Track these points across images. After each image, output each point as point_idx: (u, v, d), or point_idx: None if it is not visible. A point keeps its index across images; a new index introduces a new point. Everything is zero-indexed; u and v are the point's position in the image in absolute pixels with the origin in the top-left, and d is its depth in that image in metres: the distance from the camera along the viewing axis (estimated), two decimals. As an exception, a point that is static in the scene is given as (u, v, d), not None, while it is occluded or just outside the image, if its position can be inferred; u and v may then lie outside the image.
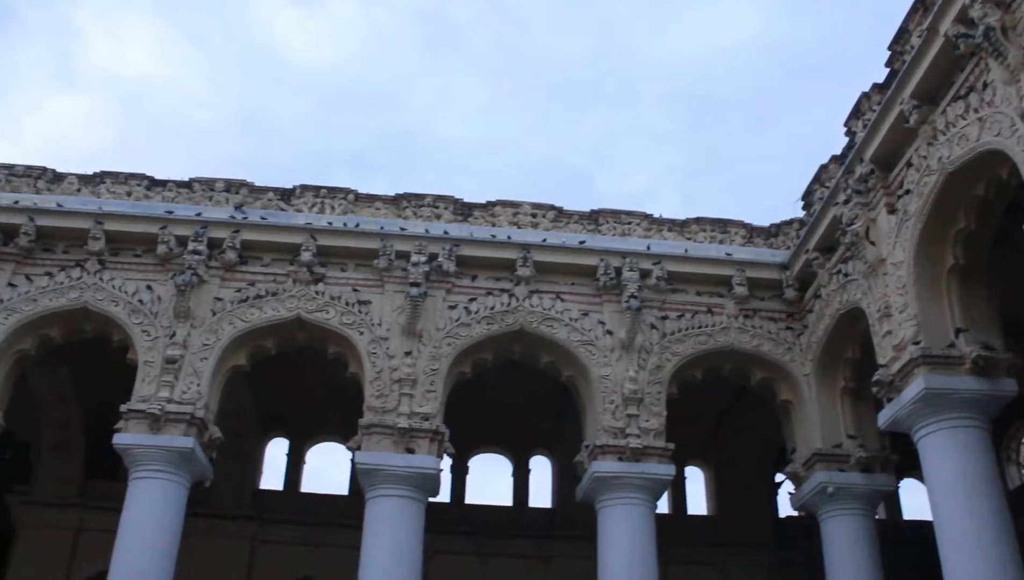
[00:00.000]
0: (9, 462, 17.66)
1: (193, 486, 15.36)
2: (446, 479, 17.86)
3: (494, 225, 17.00)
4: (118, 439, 14.84)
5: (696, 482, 23.95)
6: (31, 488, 20.83)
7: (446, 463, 16.17)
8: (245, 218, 16.50)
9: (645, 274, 16.48)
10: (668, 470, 15.36)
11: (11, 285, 15.96)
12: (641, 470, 15.16)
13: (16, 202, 16.43)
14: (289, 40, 72.76)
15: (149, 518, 14.47)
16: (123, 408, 14.96)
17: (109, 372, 16.55)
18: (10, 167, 17.22)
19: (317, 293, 16.04)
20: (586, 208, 17.58)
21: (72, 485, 21.02)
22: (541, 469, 23.92)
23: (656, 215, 17.72)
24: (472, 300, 16.19)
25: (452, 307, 16.10)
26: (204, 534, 19.25)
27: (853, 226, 14.25)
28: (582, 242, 16.90)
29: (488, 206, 17.30)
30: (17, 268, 16.14)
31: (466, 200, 17.35)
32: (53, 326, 16.05)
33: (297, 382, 20.36)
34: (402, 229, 16.52)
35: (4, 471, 17.13)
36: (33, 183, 17.08)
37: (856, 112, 14.69)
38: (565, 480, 21.05)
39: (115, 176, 17.31)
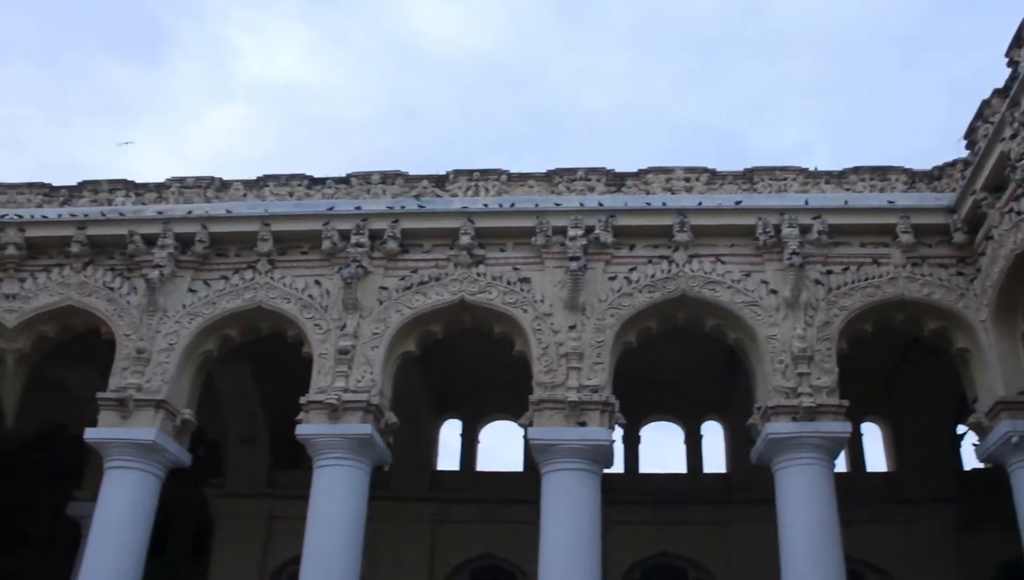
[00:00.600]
0: (203, 458, 18.68)
1: (373, 470, 15.85)
2: (619, 450, 17.91)
3: (648, 193, 16.85)
4: (300, 430, 15.48)
5: (873, 438, 23.26)
6: (224, 481, 22.00)
7: (618, 434, 16.18)
8: (403, 208, 16.87)
9: (805, 229, 16.04)
10: (844, 427, 14.92)
11: (191, 290, 16.85)
12: (816, 429, 14.77)
13: (190, 212, 17.31)
14: (430, 30, 73.98)
15: (335, 504, 15.03)
16: (302, 400, 15.58)
17: (287, 366, 17.24)
18: (181, 179, 18.13)
19: (478, 275, 16.27)
20: (739, 168, 17.21)
21: (260, 476, 22.07)
22: (713, 434, 23.70)
23: (812, 168, 17.19)
24: (632, 269, 16.11)
25: (612, 278, 16.06)
26: (386, 517, 19.87)
27: (1023, 161, 13.49)
28: (738, 202, 16.56)
29: (640, 174, 17.16)
30: (196, 274, 17.02)
31: (617, 170, 17.26)
32: (232, 326, 16.85)
33: (466, 363, 20.76)
34: (556, 205, 16.57)
35: (199, 466, 18.11)
36: (203, 192, 17.94)
37: (1018, 40, 13.85)
38: (738, 444, 20.78)
39: (277, 178, 17.98)
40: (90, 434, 16.02)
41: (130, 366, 16.20)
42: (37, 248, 17.62)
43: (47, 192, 18.37)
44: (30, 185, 18.52)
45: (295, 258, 16.98)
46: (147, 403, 15.89)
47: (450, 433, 23.70)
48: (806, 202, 16.45)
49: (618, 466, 19.07)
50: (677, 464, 23.52)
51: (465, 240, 16.33)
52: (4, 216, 17.70)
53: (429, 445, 23.02)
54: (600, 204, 16.52)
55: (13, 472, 22.03)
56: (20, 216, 17.69)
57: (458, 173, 17.39)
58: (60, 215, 17.67)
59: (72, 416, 20.14)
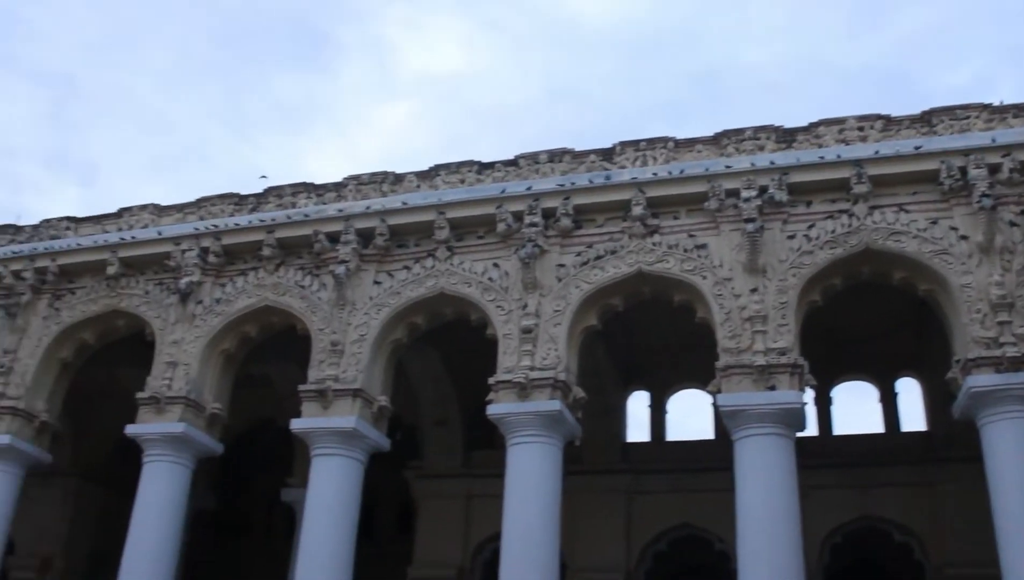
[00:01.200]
0: (400, 442, 19.42)
1: (565, 445, 16.08)
2: (811, 412, 17.46)
3: (820, 146, 16.34)
4: (491, 410, 15.88)
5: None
6: (422, 463, 22.80)
7: (808, 396, 15.79)
8: (573, 184, 16.98)
9: (994, 169, 15.13)
10: (1055, 377, 14.07)
11: (376, 283, 17.54)
12: (1023, 380, 14.03)
13: (368, 207, 17.98)
14: (583, 6, 73.72)
15: (530, 480, 15.34)
16: (491, 380, 15.97)
17: (474, 349, 17.69)
18: (357, 177, 18.84)
19: (654, 245, 16.21)
20: (914, 111, 16.42)
21: (456, 457, 22.75)
22: (909, 391, 22.80)
23: (996, 103, 16.20)
24: (810, 226, 15.66)
25: (791, 237, 15.67)
26: (581, 491, 20.09)
27: None
28: (918, 147, 15.80)
29: (811, 128, 16.65)
30: (379, 266, 17.70)
31: (786, 126, 16.81)
32: (418, 314, 17.44)
33: (649, 334, 20.76)
34: (727, 167, 16.30)
35: (398, 450, 18.88)
36: (379, 187, 18.60)
37: None
38: (938, 400, 19.90)
39: (447, 167, 18.43)
40: (295, 425, 16.99)
41: (326, 358, 17.03)
42: (233, 254, 18.76)
43: (237, 201, 19.49)
44: (221, 197, 19.71)
45: (472, 243, 17.38)
46: (345, 392, 16.68)
47: (638, 405, 23.76)
48: (993, 140, 15.53)
49: (811, 429, 18.63)
50: (872, 424, 22.79)
51: (637, 211, 16.28)
52: (202, 228, 18.91)
53: (618, 418, 23.12)
54: (772, 162, 16.14)
55: (231, 464, 23.46)
56: (216, 226, 18.85)
57: (624, 145, 17.37)
58: (250, 222, 18.72)
59: (277, 409, 21.37)
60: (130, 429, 18.08)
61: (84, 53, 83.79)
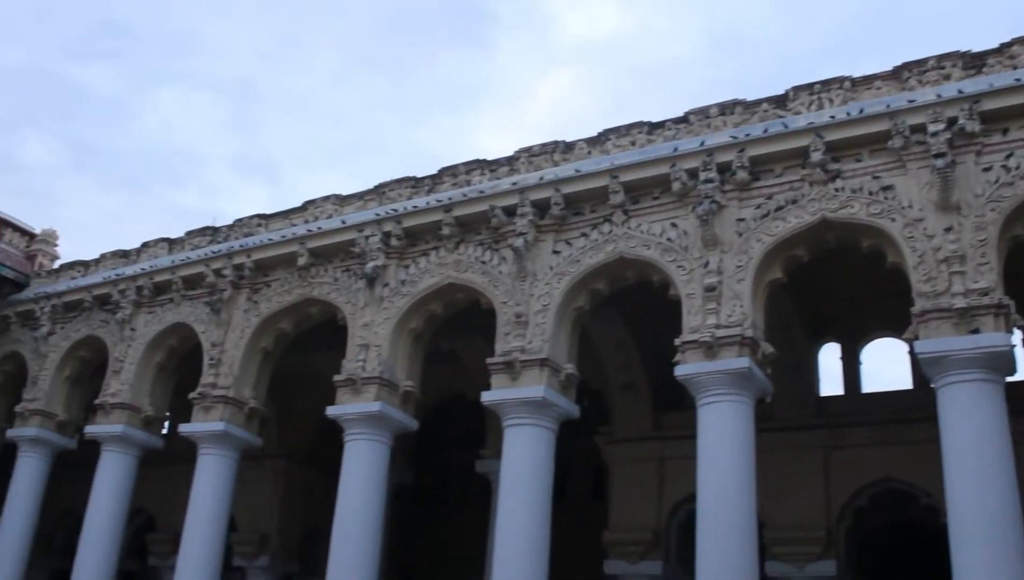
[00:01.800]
0: (588, 408, 19.52)
1: (756, 403, 15.77)
2: (1021, 356, 16.43)
3: (1015, 68, 15.15)
4: (679, 371, 15.73)
5: None
6: (612, 428, 22.86)
7: (1017, 338, 14.89)
8: (747, 135, 16.53)
9: None
10: None
11: (555, 252, 17.64)
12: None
13: (541, 178, 18.06)
14: (738, -51, 71.52)
15: (722, 440, 15.11)
16: (677, 341, 15.81)
17: (657, 311, 17.56)
18: (528, 149, 18.93)
19: (836, 190, 15.58)
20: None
21: (645, 420, 22.68)
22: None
23: None
24: (1008, 156, 14.56)
25: (986, 169, 14.68)
26: (775, 448, 19.58)
27: None
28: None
29: (1003, 49, 15.44)
30: (556, 236, 17.79)
31: (974, 51, 15.71)
32: (598, 280, 17.44)
33: (836, 283, 20.01)
34: (910, 101, 15.43)
35: (587, 417, 18.99)
36: (550, 157, 18.63)
37: None
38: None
39: (616, 131, 18.25)
40: (486, 397, 17.34)
41: (511, 331, 17.29)
42: (414, 236, 19.27)
43: (413, 184, 19.95)
44: (398, 181, 20.21)
45: (648, 204, 17.20)
46: (532, 363, 16.90)
47: (830, 357, 22.96)
48: None
49: (1021, 373, 17.55)
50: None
51: (816, 157, 15.67)
52: (382, 213, 19.49)
53: (809, 371, 22.46)
54: (960, 91, 15.14)
55: (426, 439, 24.19)
56: (395, 210, 19.38)
57: (798, 89, 16.73)
58: (428, 203, 19.14)
59: (467, 383, 21.87)
60: (330, 410, 18.92)
61: (258, 59, 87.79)
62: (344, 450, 18.64)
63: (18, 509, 24.37)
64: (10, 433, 25.49)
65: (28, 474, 24.72)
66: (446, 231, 18.69)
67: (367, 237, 19.46)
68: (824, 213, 15.53)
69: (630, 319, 21.07)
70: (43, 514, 25.27)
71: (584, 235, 17.53)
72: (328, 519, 18.45)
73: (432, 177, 19.79)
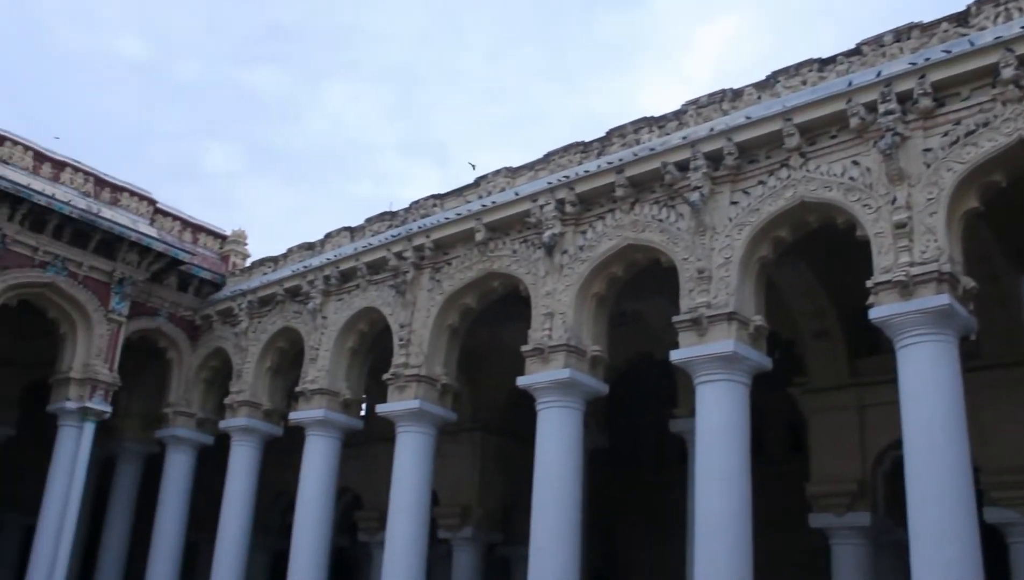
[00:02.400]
0: (781, 360, 19.05)
1: (960, 341, 15.00)
2: None
3: None
4: (873, 313, 15.10)
5: None
6: (807, 378, 22.25)
7: None
8: (927, 60, 15.64)
9: None
10: None
11: (733, 203, 17.25)
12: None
13: (712, 129, 17.65)
14: None
15: (926, 383, 14.44)
16: (869, 283, 15.18)
17: (845, 254, 16.97)
18: (695, 101, 18.53)
19: (1033, 107, 14.56)
20: None
21: (841, 367, 21.90)
22: None
23: None
24: None
25: None
26: (983, 388, 18.53)
27: None
28: None
29: None
30: (732, 186, 17.38)
31: None
32: (780, 227, 16.94)
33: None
34: (1111, 2, 14.27)
35: (780, 368, 18.55)
36: (718, 107, 18.17)
37: None
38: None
39: (785, 72, 17.59)
40: (675, 356, 17.19)
41: (695, 287, 17.05)
42: (588, 201, 19.22)
43: (582, 149, 19.87)
44: (566, 148, 20.18)
45: (825, 144, 16.56)
46: (719, 318, 16.62)
47: (1038, 287, 21.57)
48: None
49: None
50: None
51: (1008, 73, 14.55)
52: (554, 181, 19.53)
53: (1017, 305, 21.14)
54: None
55: (617, 402, 24.14)
56: (567, 177, 19.37)
57: (981, 3, 15.65)
58: (599, 166, 19.03)
59: (654, 343, 21.75)
60: (520, 380, 19.20)
61: (416, 44, 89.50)
62: (537, 419, 18.89)
63: (236, 495, 25.99)
64: (222, 424, 27.16)
65: (242, 461, 26.30)
66: (619, 193, 18.56)
67: (541, 206, 19.56)
68: (1021, 133, 14.53)
69: (817, 265, 20.40)
70: (258, 498, 26.85)
71: (761, 183, 17.06)
72: (527, 488, 18.76)
73: (600, 140, 19.67)
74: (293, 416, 24.62)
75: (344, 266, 24.02)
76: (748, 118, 17.32)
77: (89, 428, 25.91)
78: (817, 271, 20.66)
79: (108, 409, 26.29)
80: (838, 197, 16.02)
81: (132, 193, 28.06)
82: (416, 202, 22.99)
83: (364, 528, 30.74)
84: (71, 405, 25.78)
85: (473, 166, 28.77)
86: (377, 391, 23.13)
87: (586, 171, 19.15)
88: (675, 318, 17.18)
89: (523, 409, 20.13)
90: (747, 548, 15.88)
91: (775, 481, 22.57)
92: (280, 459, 27.66)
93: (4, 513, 33.22)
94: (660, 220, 18.11)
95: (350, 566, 34.52)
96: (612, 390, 19.87)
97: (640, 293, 20.64)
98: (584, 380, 18.76)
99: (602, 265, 18.84)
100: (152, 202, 28.71)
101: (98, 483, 30.26)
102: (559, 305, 18.95)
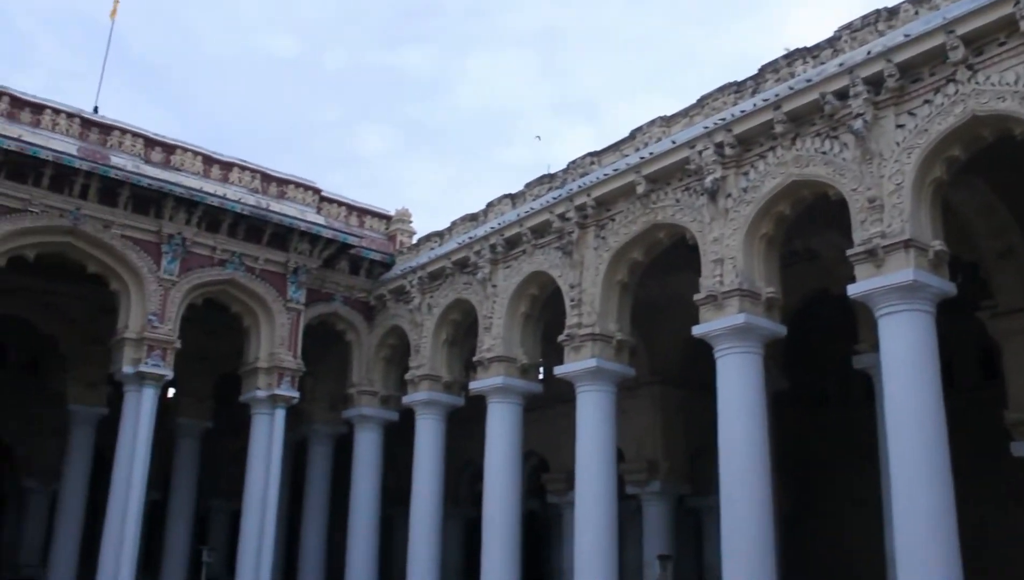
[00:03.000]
0: (965, 284, 18.26)
1: None
2: None
3: None
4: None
5: None
6: (995, 301, 21.26)
7: None
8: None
9: None
10: None
11: (899, 126, 16.62)
12: None
13: (869, 52, 16.95)
14: None
15: None
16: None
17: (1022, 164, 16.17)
18: (848, 25, 17.81)
19: None
20: None
21: (1033, 286, 20.88)
22: None
23: None
24: None
25: None
26: None
27: None
28: None
29: None
30: (896, 109, 16.74)
31: None
32: (952, 146, 16.20)
33: None
34: None
35: (965, 293, 17.79)
36: (873, 28, 17.45)
37: None
38: None
39: (937, -19, 16.79)
40: (852, 290, 16.81)
41: (867, 217, 16.57)
42: (747, 141, 18.90)
43: (736, 89, 19.49)
44: (720, 89, 19.80)
45: (994, 53, 15.68)
46: (895, 246, 16.12)
47: None
48: None
49: None
50: None
51: None
52: (710, 125, 19.28)
53: None
54: None
55: (795, 343, 23.53)
56: (723, 119, 19.06)
57: None
58: (755, 105, 18.63)
59: (829, 279, 21.27)
60: (696, 329, 19.13)
61: (556, 4, 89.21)
62: (716, 366, 18.79)
63: (425, 468, 26.87)
64: (405, 400, 28.11)
65: (428, 434, 27.17)
66: (778, 129, 18.15)
67: (700, 152, 19.35)
68: None
69: (995, 181, 19.42)
70: (446, 469, 27.67)
71: (927, 102, 16.37)
72: (712, 438, 18.72)
73: (753, 78, 19.25)
74: (473, 385, 25.23)
75: (509, 233, 24.38)
76: (907, 36, 16.61)
77: (280, 414, 27.33)
78: (996, 188, 19.68)
79: (296, 394, 27.66)
80: (1014, 107, 15.20)
81: (297, 184, 29.19)
82: (573, 162, 23.09)
83: (552, 490, 31.28)
84: (261, 393, 27.29)
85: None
86: (553, 353, 23.43)
87: (742, 111, 18.81)
88: (849, 251, 16.76)
89: (701, 358, 20.06)
90: (946, 483, 15.41)
91: (968, 410, 21.82)
92: (464, 429, 28.40)
93: (210, 500, 35.45)
94: (824, 153, 17.62)
95: (542, 529, 35.25)
96: (790, 330, 19.55)
97: (810, 229, 20.21)
98: (760, 323, 18.54)
99: (768, 205, 18.51)
100: (317, 191, 29.78)
101: (293, 465, 31.82)
102: (728, 250, 18.75)
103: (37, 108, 24.97)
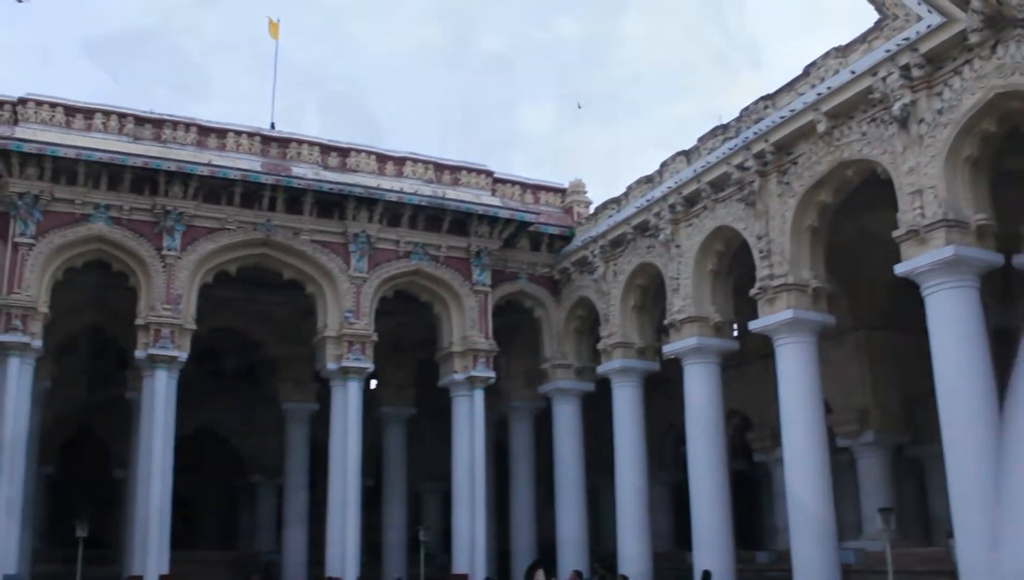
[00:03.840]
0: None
1: None
2: None
3: None
4: None
5: None
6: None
7: None
8: None
9: None
10: None
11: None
12: None
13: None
14: None
15: None
16: None
17: None
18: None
19: None
20: None
21: None
22: None
23: None
24: None
25: None
26: None
27: None
28: None
29: None
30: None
31: None
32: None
33: None
34: None
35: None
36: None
37: None
38: None
39: None
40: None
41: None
42: (938, 59, 17.08)
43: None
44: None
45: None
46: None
47: None
48: None
49: None
50: None
51: None
52: (892, 48, 17.79)
53: None
54: None
55: (1013, 272, 21.72)
56: (906, 39, 17.36)
57: None
58: (942, 19, 16.90)
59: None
60: (899, 268, 17.88)
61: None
62: (925, 306, 17.49)
63: (627, 435, 26.73)
64: (599, 369, 27.87)
65: (626, 402, 26.96)
66: (974, 39, 16.23)
67: (883, 78, 17.87)
68: None
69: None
70: (648, 434, 27.32)
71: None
72: (928, 382, 17.47)
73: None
74: (667, 349, 24.68)
75: (686, 191, 23.57)
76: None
77: (479, 395, 27.84)
78: None
79: (492, 374, 28.04)
80: None
81: (470, 170, 29.30)
82: (746, 108, 21.95)
83: (758, 448, 30.42)
84: (458, 377, 27.90)
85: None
86: (747, 308, 22.52)
87: (928, 26, 17.11)
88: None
89: (908, 298, 18.72)
90: None
91: None
92: (663, 392, 27.90)
93: (421, 483, 36.59)
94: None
95: (751, 488, 34.25)
96: (1009, 259, 17.93)
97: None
98: (971, 254, 17.03)
99: (969, 124, 16.75)
100: (489, 174, 29.78)
101: (496, 443, 32.17)
102: (926, 179, 17.28)
103: (221, 133, 26.54)
